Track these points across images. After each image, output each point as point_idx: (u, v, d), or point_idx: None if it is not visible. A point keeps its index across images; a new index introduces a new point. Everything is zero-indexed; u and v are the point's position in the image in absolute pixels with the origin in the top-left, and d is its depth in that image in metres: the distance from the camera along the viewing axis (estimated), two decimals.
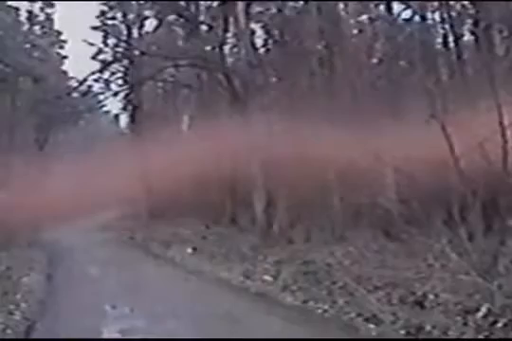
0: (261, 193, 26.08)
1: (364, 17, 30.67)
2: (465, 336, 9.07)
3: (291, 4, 29.72)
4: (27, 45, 41.56)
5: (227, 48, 32.52)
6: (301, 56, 26.40)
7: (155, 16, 38.11)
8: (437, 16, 27.03)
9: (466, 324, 9.46)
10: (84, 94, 36.58)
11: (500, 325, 9.04)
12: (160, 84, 42.27)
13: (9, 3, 39.02)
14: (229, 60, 32.56)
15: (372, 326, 10.58)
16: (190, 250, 24.47)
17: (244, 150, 24.62)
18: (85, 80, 35.62)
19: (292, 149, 21.78)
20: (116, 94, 37.59)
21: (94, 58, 37.91)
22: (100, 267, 22.45)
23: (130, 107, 41.65)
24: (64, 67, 46.91)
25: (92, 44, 38.47)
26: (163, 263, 23.29)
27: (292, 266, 16.92)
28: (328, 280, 14.31)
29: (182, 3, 33.56)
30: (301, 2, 28.45)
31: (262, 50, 31.89)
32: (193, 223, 31.00)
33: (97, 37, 40.15)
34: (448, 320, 9.76)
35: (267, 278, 16.54)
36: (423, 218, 16.37)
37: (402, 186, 19.69)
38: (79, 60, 53.90)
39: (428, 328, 9.65)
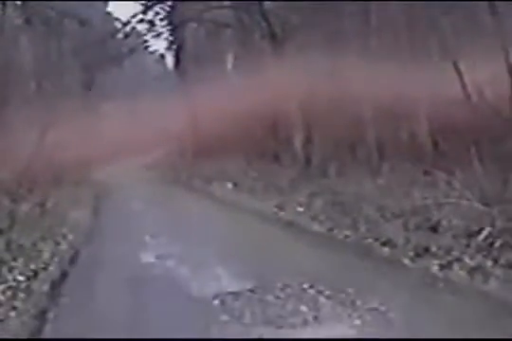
0: (300, 130, 26.73)
1: None
2: (465, 255, 9.84)
3: None
4: None
5: None
6: None
7: None
8: None
9: (468, 245, 10.24)
10: (126, 36, 37.06)
11: (497, 245, 9.83)
12: (203, 25, 42.35)
13: None
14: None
15: (385, 249, 11.41)
16: (230, 185, 25.23)
17: (284, 88, 25.13)
18: (129, 21, 36.27)
19: (330, 86, 22.26)
20: (159, 34, 38.18)
21: None
22: (144, 203, 23.54)
23: (174, 47, 42.10)
24: (108, 9, 47.58)
25: None
26: (204, 198, 24.22)
27: (323, 198, 17.61)
28: (354, 210, 14.99)
29: None
30: None
31: None
32: (237, 160, 31.55)
33: None
34: (453, 242, 10.54)
35: (299, 208, 17.30)
36: (448, 152, 17.05)
37: (432, 122, 20.14)
38: (123, 1, 54.24)
39: (433, 249, 10.44)
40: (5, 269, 11.40)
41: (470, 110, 14.33)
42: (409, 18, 22.24)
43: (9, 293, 9.99)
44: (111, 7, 48.85)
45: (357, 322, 7.51)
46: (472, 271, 9.27)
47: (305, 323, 7.59)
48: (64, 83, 37.75)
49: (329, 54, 22.85)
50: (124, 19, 38.52)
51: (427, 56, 20.27)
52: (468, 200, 11.88)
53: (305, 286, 9.26)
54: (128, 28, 37.17)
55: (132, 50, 39.81)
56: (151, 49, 47.23)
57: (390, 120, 21.57)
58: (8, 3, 30.74)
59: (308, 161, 25.29)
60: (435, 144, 20.27)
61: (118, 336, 7.49)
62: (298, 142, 26.88)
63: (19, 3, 34.11)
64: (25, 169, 23.83)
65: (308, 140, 26.22)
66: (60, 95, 33.28)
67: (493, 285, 8.67)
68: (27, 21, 33.97)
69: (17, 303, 9.46)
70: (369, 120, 22.70)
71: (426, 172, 18.65)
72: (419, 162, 19.89)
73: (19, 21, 34.51)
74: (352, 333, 7.14)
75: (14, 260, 12.24)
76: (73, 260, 13.22)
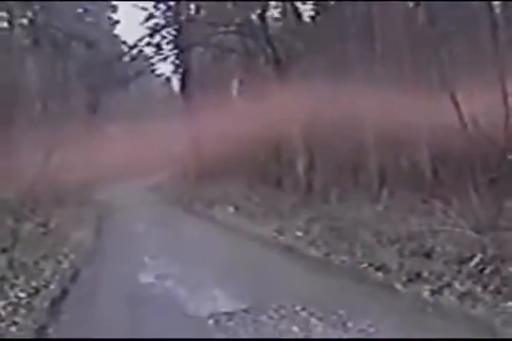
0: (302, 155, 26.95)
1: None
2: (456, 281, 10.08)
3: None
4: (80, 10, 42.38)
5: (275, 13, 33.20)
6: (344, 21, 26.77)
7: None
8: None
9: (459, 271, 10.49)
10: (133, 58, 37.46)
11: (487, 271, 10.08)
12: (209, 49, 42.67)
13: None
14: (276, 24, 33.25)
15: (379, 274, 11.65)
16: (231, 209, 25.42)
17: (287, 113, 25.33)
18: (136, 44, 36.63)
19: (333, 112, 22.47)
20: (165, 58, 38.59)
21: (144, 23, 38.73)
22: (145, 224, 23.77)
23: (180, 70, 42.57)
24: (115, 32, 47.95)
25: (145, 9, 39.42)
26: (205, 221, 24.41)
27: (322, 223, 17.82)
28: (351, 235, 15.21)
29: None
30: None
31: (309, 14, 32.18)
32: (239, 184, 31.74)
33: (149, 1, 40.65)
34: (444, 268, 10.80)
35: (298, 233, 17.51)
36: (447, 180, 17.30)
37: (431, 150, 20.37)
38: (130, 24, 54.72)
39: (425, 274, 10.69)
40: (7, 286, 11.65)
41: (466, 139, 14.61)
42: (412, 45, 22.55)
43: (10, 308, 10.24)
44: (118, 29, 49.02)
45: None
46: (462, 296, 9.51)
47: None
48: (70, 105, 38.05)
49: (332, 80, 23.09)
50: (131, 42, 38.96)
51: (427, 84, 20.56)
52: (462, 228, 12.15)
53: (298, 308, 9.51)
54: (135, 51, 37.60)
55: (138, 73, 40.15)
56: (157, 72, 47.72)
57: (391, 147, 21.77)
58: (15, 23, 31.21)
59: (310, 186, 25.50)
60: (435, 172, 20.50)
61: None
62: (300, 167, 27.10)
63: (26, 23, 34.51)
64: (28, 189, 24.05)
65: (310, 166, 26.43)
66: (65, 116, 33.52)
67: (481, 310, 8.90)
68: (35, 42, 34.34)
69: (18, 319, 9.71)
70: (371, 147, 22.92)
71: (424, 201, 18.84)
72: (418, 190, 20.07)
73: (26, 42, 34.90)
74: None
75: (16, 277, 12.48)
76: (74, 279, 13.48)
